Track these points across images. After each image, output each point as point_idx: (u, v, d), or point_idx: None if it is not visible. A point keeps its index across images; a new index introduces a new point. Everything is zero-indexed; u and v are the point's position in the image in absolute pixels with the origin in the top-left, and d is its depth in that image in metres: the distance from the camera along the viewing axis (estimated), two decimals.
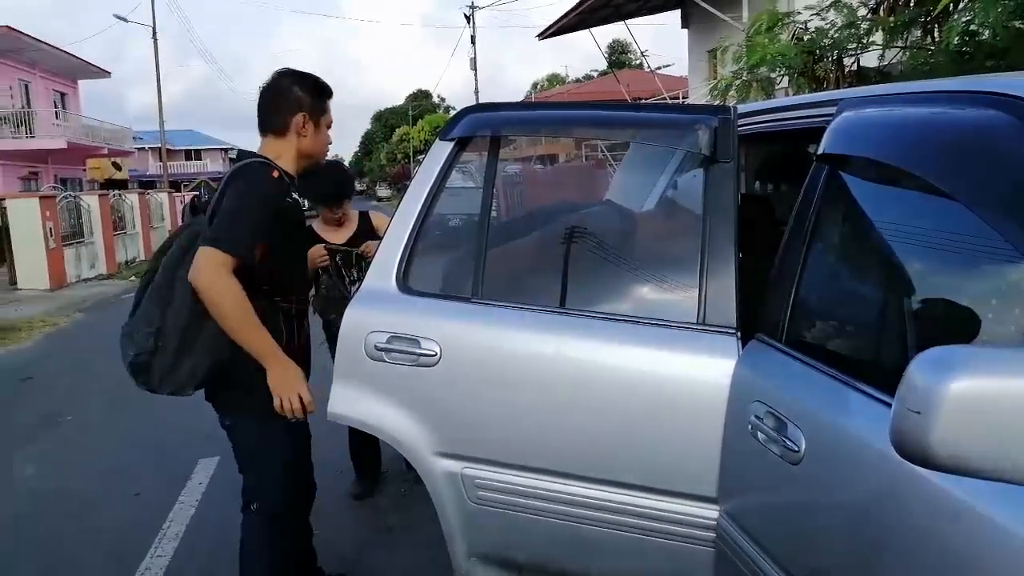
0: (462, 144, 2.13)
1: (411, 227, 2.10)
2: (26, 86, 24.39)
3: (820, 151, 1.65)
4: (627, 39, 28.59)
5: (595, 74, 49.62)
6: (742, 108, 2.04)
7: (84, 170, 23.19)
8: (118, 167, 23.21)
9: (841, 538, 1.35)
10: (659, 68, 27.39)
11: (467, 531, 2.04)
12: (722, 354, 1.76)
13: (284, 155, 2.30)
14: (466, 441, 1.99)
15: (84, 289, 13.27)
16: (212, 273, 2.04)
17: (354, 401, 2.07)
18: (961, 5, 3.62)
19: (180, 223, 2.83)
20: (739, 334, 1.78)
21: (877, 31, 4.95)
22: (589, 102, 2.38)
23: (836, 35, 5.01)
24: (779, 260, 1.77)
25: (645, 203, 2.54)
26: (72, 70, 26.56)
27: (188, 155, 52.72)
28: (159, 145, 31.46)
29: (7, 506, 3.84)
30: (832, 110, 1.71)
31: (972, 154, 1.27)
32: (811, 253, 1.66)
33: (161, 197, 21.71)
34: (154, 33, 27.29)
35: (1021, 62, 3.65)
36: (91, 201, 15.80)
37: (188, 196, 24.59)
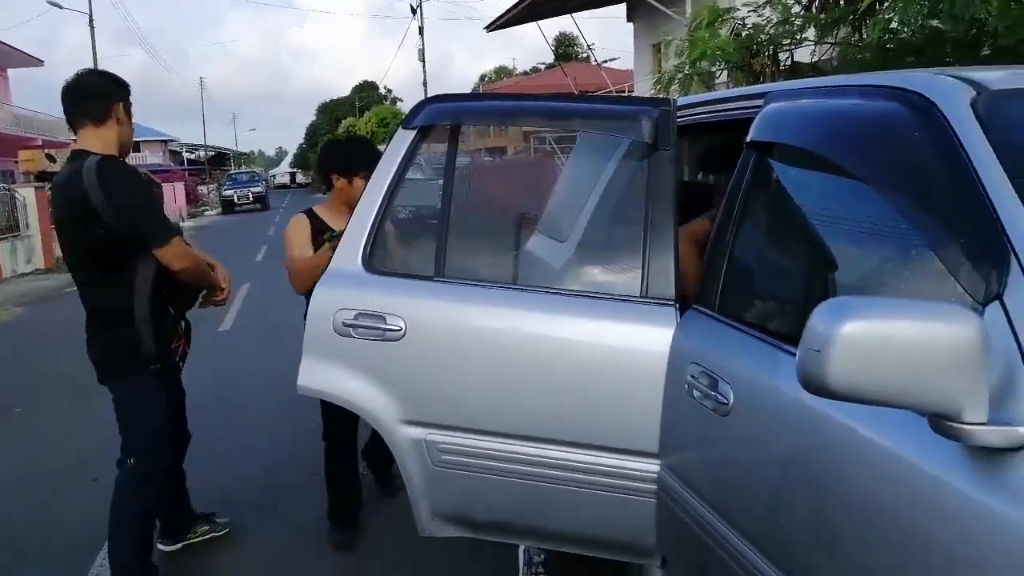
0: (424, 133, 2.27)
1: (376, 211, 2.23)
2: None
3: (748, 139, 1.85)
4: (574, 32, 29.03)
5: (542, 67, 49.87)
6: (682, 100, 2.23)
7: (15, 162, 22.37)
8: (52, 159, 22.40)
9: (766, 478, 1.54)
10: (606, 61, 27.73)
11: (431, 493, 2.19)
12: (663, 323, 1.95)
13: (110, 145, 2.61)
14: (429, 409, 2.13)
15: (21, 284, 12.90)
16: (186, 254, 2.61)
17: (323, 375, 2.20)
18: (885, 4, 3.89)
19: None
20: (677, 305, 1.96)
21: (810, 27, 5.23)
22: (543, 95, 2.54)
23: (772, 31, 5.27)
24: (713, 238, 1.97)
25: (592, 190, 2.72)
26: (2, 59, 25.54)
27: None
28: None
29: None
30: (761, 102, 1.91)
31: (874, 140, 1.48)
32: (740, 231, 1.86)
33: None
34: (90, 20, 26.45)
35: (938, 59, 3.96)
36: (26, 193, 15.33)
37: None
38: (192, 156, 61.73)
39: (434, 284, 2.14)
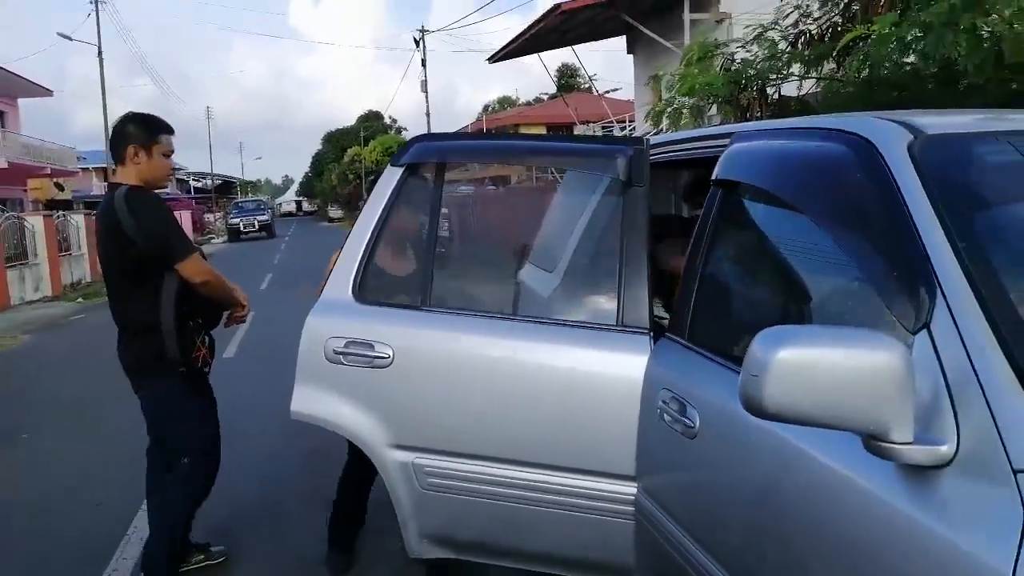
0: (411, 169, 2.39)
1: (365, 243, 2.35)
2: None
3: (713, 177, 1.96)
4: (577, 63, 29.52)
5: (545, 97, 50.48)
6: (654, 139, 2.35)
7: (25, 190, 22.70)
8: (61, 187, 22.75)
9: (728, 498, 1.63)
10: (607, 92, 28.09)
11: (418, 514, 2.27)
12: (637, 351, 2.05)
13: (132, 179, 2.90)
14: (416, 433, 2.23)
15: (29, 311, 13.04)
16: (205, 270, 2.88)
17: (315, 400, 2.30)
18: (861, 42, 4.02)
19: None
20: (651, 334, 2.06)
21: (796, 63, 5.38)
22: (525, 134, 2.66)
23: (759, 66, 5.41)
24: (684, 270, 2.08)
25: (577, 223, 2.84)
26: (12, 88, 26.02)
27: None
28: (104, 165, 30.88)
29: None
30: (727, 141, 2.02)
31: (820, 180, 1.59)
32: (708, 263, 1.96)
33: None
34: (99, 52, 26.94)
35: (919, 95, 4.09)
36: (35, 222, 15.54)
37: None
38: (199, 184, 62.32)
39: (420, 313, 2.25)
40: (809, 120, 1.84)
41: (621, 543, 2.09)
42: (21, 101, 27.88)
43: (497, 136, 2.86)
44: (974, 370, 1.14)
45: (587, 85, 30.60)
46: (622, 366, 2.05)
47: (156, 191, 2.99)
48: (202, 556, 3.25)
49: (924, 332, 1.24)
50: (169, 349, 2.84)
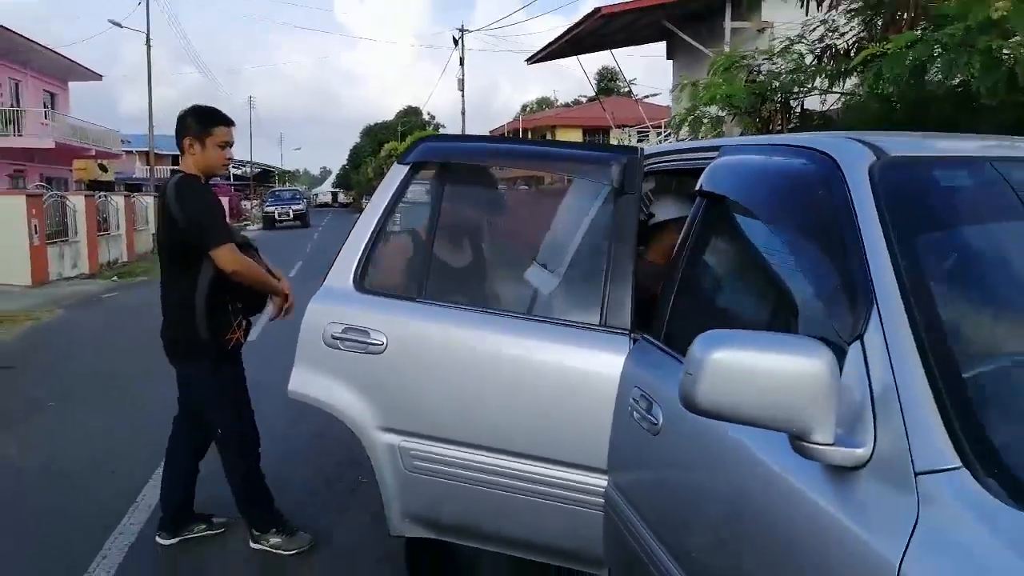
0: (416, 168, 2.51)
1: (369, 235, 2.47)
2: (16, 85, 24.60)
3: (697, 187, 2.04)
4: (617, 67, 29.44)
5: (584, 99, 50.42)
6: (650, 149, 2.44)
7: (70, 170, 23.39)
8: (104, 169, 23.43)
9: (684, 490, 1.72)
10: (646, 97, 28.00)
11: (402, 495, 2.39)
12: (617, 350, 2.13)
13: (190, 168, 3.15)
14: (403, 417, 2.34)
15: (66, 287, 13.47)
16: (237, 260, 2.99)
17: (311, 382, 2.43)
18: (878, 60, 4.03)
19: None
20: (632, 334, 2.15)
21: (820, 77, 5.38)
22: (527, 140, 2.76)
23: (784, 79, 5.43)
24: (667, 275, 2.16)
25: (578, 227, 2.93)
26: (63, 71, 26.80)
27: (176, 160, 52.70)
28: (147, 149, 31.62)
29: None
30: (716, 154, 2.10)
31: (787, 194, 1.67)
32: (686, 269, 2.04)
33: (147, 200, 21.90)
34: (147, 40, 27.59)
35: (938, 113, 4.09)
36: (77, 201, 16.02)
37: None
38: (238, 172, 63.33)
39: (415, 304, 2.36)
40: (788, 138, 1.91)
41: (594, 533, 2.18)
42: (71, 84, 28.68)
43: (498, 140, 2.97)
44: (895, 380, 1.22)
45: (626, 89, 30.59)
46: (601, 364, 2.13)
47: (211, 179, 3.25)
48: (204, 525, 3.43)
49: (858, 342, 1.31)
50: (200, 330, 3.05)
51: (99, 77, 28.88)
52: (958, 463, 1.10)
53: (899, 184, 1.50)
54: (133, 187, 31.38)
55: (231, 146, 3.26)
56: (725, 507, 1.53)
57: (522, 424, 2.22)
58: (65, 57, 25.26)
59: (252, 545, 3.28)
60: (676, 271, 2.09)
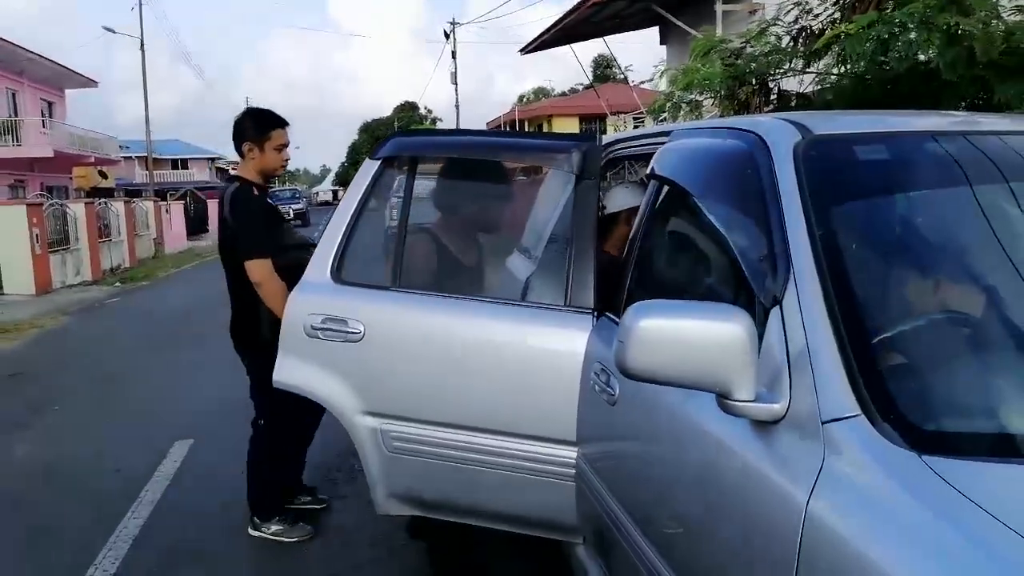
0: (388, 162, 2.62)
1: (344, 229, 2.58)
2: (13, 95, 24.76)
3: (647, 172, 2.15)
4: (615, 53, 29.55)
5: (580, 87, 50.34)
6: (609, 137, 2.55)
7: (70, 178, 23.56)
8: (104, 175, 23.59)
9: (636, 455, 1.83)
10: (641, 82, 27.98)
11: (385, 476, 2.51)
12: (581, 328, 2.25)
13: (249, 172, 3.28)
14: (384, 401, 2.46)
15: (69, 294, 13.62)
16: (262, 276, 3.10)
17: (295, 370, 2.55)
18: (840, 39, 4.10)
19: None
20: (595, 313, 2.26)
21: (796, 59, 5.45)
22: (493, 131, 2.87)
23: (759, 61, 5.50)
24: (624, 256, 2.27)
25: (553, 213, 3.04)
26: (60, 79, 26.94)
27: (175, 164, 53.02)
28: (145, 154, 31.78)
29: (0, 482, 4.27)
30: (667, 139, 2.21)
31: (720, 173, 1.78)
32: (641, 249, 2.16)
33: (147, 206, 22.05)
34: (141, 45, 27.71)
35: (911, 90, 4.18)
36: (77, 209, 16.15)
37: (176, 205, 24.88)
38: None
39: (390, 293, 2.48)
40: (728, 121, 2.02)
41: (568, 503, 2.30)
42: (68, 92, 28.83)
43: (465, 133, 3.08)
44: (807, 341, 1.33)
45: (622, 76, 30.59)
46: (567, 342, 2.25)
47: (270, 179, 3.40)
48: (309, 498, 3.67)
49: (777, 308, 1.42)
50: (263, 330, 3.16)
51: (95, 84, 29.02)
52: (857, 411, 1.21)
53: (820, 161, 1.61)
54: (133, 193, 31.56)
55: (287, 147, 3.36)
56: (669, 467, 1.65)
57: (495, 402, 2.33)
58: (61, 65, 25.39)
59: (251, 532, 3.41)
60: (633, 250, 2.20)
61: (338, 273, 2.55)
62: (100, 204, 17.82)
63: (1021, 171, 1.64)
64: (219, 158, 60.05)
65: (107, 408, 5.75)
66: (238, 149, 3.30)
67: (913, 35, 3.54)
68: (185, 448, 4.60)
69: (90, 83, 28.56)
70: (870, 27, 3.60)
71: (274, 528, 3.40)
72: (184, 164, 53.90)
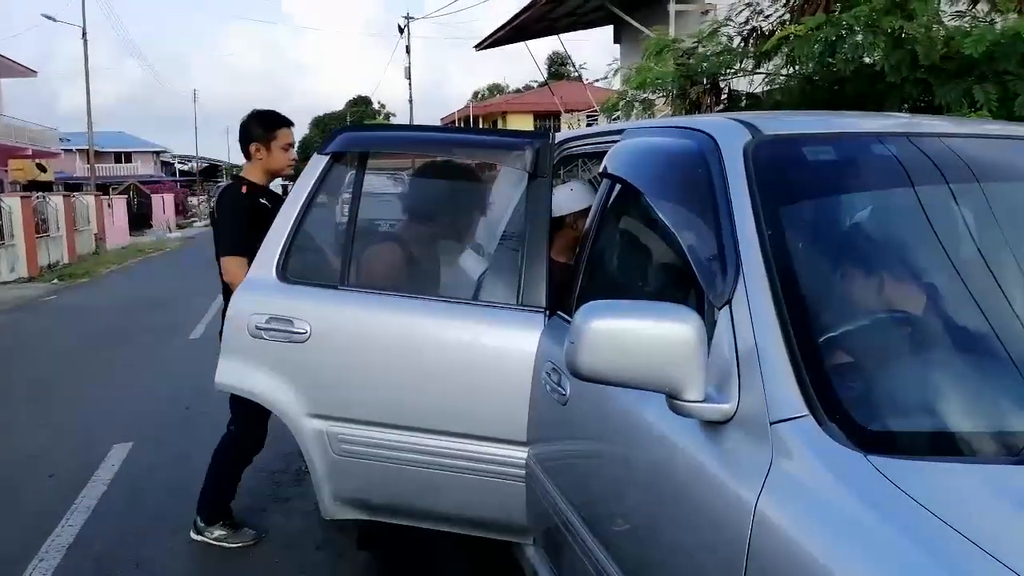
0: (336, 158, 2.55)
1: (291, 226, 2.50)
2: None
3: (600, 169, 2.14)
4: (570, 51, 29.62)
5: (535, 84, 50.44)
6: (562, 135, 2.52)
7: (6, 171, 22.65)
8: (43, 168, 22.77)
9: (586, 454, 1.81)
10: (595, 80, 28.15)
11: (332, 479, 2.45)
12: (533, 328, 2.22)
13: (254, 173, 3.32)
14: (331, 403, 2.40)
15: (4, 292, 13.07)
16: (234, 275, 2.96)
17: (238, 372, 2.47)
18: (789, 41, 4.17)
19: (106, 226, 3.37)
20: (547, 312, 2.24)
21: (746, 59, 5.52)
22: (445, 127, 2.83)
23: (711, 60, 5.56)
24: (576, 254, 2.25)
25: (506, 211, 3.01)
26: None
27: (118, 157, 51.44)
28: (87, 147, 30.73)
29: None
30: (620, 137, 2.19)
31: (671, 172, 1.77)
32: (594, 247, 2.14)
33: (88, 200, 21.31)
34: (84, 34, 26.77)
35: (857, 91, 4.26)
36: (12, 203, 15.52)
37: (121, 199, 24.06)
38: (185, 167, 61.96)
39: (337, 292, 2.42)
40: (680, 120, 2.01)
41: (519, 504, 2.28)
42: (4, 81, 27.68)
43: (416, 128, 3.03)
44: (756, 341, 1.32)
45: (576, 74, 30.74)
46: (519, 341, 2.22)
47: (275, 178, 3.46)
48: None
49: (727, 308, 1.41)
50: None
51: (34, 73, 27.92)
52: (805, 412, 1.21)
53: (769, 161, 1.61)
54: (74, 187, 30.51)
55: (294, 147, 3.40)
56: (619, 467, 1.64)
57: (445, 403, 2.29)
58: None
59: (193, 536, 3.30)
60: (586, 248, 2.18)
61: (284, 271, 2.47)
62: (38, 198, 17.16)
63: (961, 172, 1.67)
64: (165, 151, 58.48)
65: (42, 411, 5.51)
66: (245, 151, 3.34)
67: (859, 38, 3.60)
68: (124, 451, 4.44)
69: (28, 72, 27.46)
70: (818, 29, 3.66)
71: (217, 533, 3.30)
72: (128, 157, 52.33)
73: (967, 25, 3.66)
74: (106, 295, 12.35)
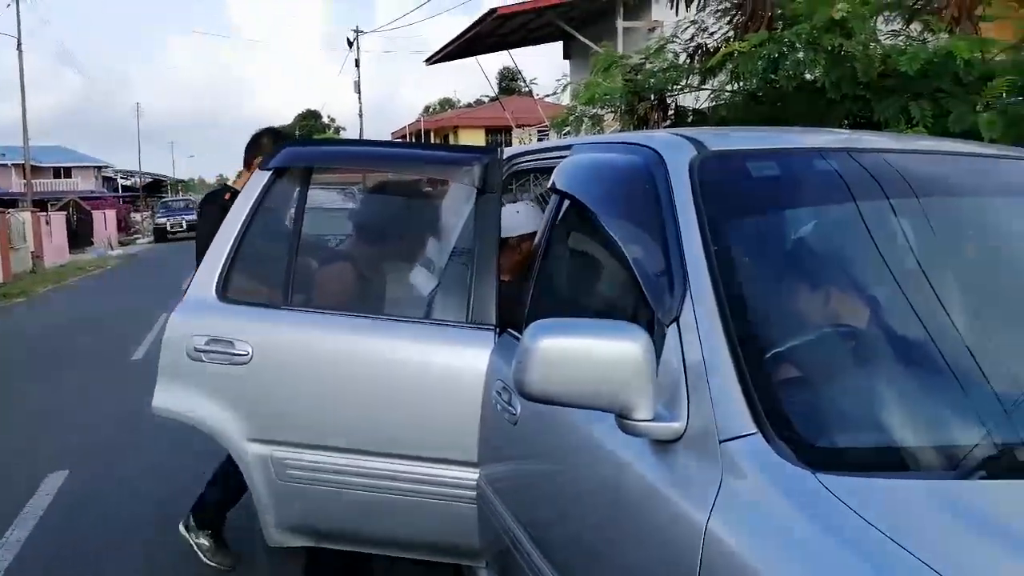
0: (278, 174, 2.48)
1: (231, 244, 2.42)
2: None
3: (550, 184, 2.12)
4: (521, 66, 29.72)
5: (486, 99, 50.63)
6: (511, 150, 2.50)
7: None
8: None
9: (536, 474, 1.78)
10: (546, 96, 28.36)
11: (277, 506, 2.36)
12: (483, 346, 2.18)
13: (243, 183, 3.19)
14: (274, 427, 2.32)
15: None
16: None
17: (176, 397, 2.37)
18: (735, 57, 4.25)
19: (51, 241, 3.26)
20: (497, 330, 2.21)
21: (692, 75, 5.62)
22: (392, 141, 2.79)
23: (658, 76, 5.63)
24: (527, 270, 2.23)
25: (455, 227, 2.97)
26: None
27: (57, 173, 49.80)
28: (23, 161, 29.66)
29: None
30: (569, 152, 2.18)
31: (618, 187, 1.76)
32: (544, 264, 2.12)
33: (24, 216, 20.54)
34: (19, 44, 25.92)
35: (799, 106, 4.36)
36: None
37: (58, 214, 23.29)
38: (127, 183, 60.30)
39: (280, 312, 2.34)
40: (627, 136, 2.01)
41: (471, 527, 2.23)
42: None
43: (362, 143, 2.99)
44: (704, 358, 1.31)
45: (527, 89, 30.92)
46: (468, 359, 2.18)
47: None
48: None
49: (675, 325, 1.40)
50: None
51: None
52: (753, 429, 1.20)
53: (715, 176, 1.61)
54: (9, 203, 29.40)
55: None
56: (570, 487, 1.61)
57: (393, 425, 2.24)
58: None
59: (180, 530, 3.20)
60: (535, 265, 2.16)
61: (224, 291, 2.39)
62: None
63: (900, 187, 1.69)
64: (107, 166, 56.84)
65: None
66: (248, 160, 3.36)
67: (801, 55, 3.69)
68: (59, 480, 4.24)
69: None
70: (761, 46, 3.74)
71: (201, 540, 3.20)
72: (67, 173, 50.68)
73: (902, 44, 3.77)
74: (43, 316, 11.88)
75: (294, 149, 2.53)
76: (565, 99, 6.47)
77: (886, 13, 4.07)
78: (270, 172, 2.47)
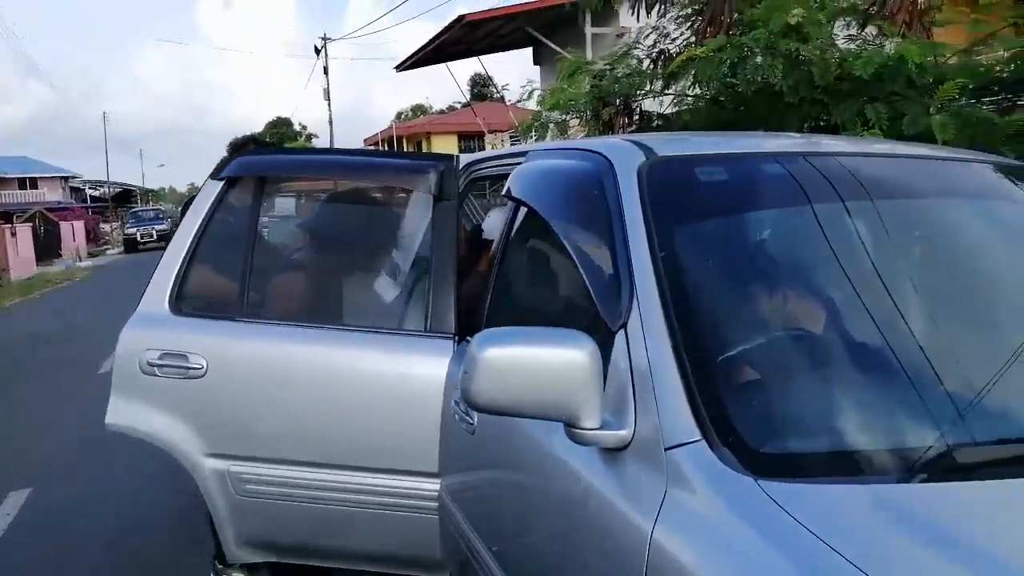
0: (231, 183, 2.45)
1: (183, 256, 2.38)
2: None
3: (504, 191, 2.11)
4: (492, 72, 29.76)
5: (458, 105, 50.60)
6: (468, 157, 2.49)
7: None
8: None
9: (492, 483, 1.77)
10: (517, 101, 28.42)
11: (235, 521, 2.32)
12: (441, 354, 2.17)
13: None
14: (231, 442, 2.28)
15: None
16: None
17: (129, 412, 2.32)
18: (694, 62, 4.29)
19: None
20: (456, 338, 2.19)
21: (656, 80, 5.65)
22: (348, 149, 2.77)
23: (622, 82, 5.66)
24: (486, 277, 2.22)
25: (416, 236, 2.95)
26: None
27: (22, 183, 48.86)
28: None
29: None
30: (524, 159, 2.17)
31: (568, 193, 1.76)
32: (501, 271, 2.11)
33: None
34: None
35: (760, 111, 4.40)
36: None
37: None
38: (96, 193, 59.34)
39: (235, 324, 2.31)
40: (579, 142, 2.01)
41: (433, 538, 2.21)
42: None
43: (317, 151, 2.96)
44: (650, 365, 1.31)
45: (498, 95, 30.91)
46: (427, 368, 2.16)
47: None
48: None
49: (622, 331, 1.40)
50: None
51: None
52: (698, 436, 1.19)
53: (663, 181, 1.61)
54: None
55: None
56: (523, 497, 1.60)
57: (351, 436, 2.21)
58: None
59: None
60: (492, 273, 2.15)
61: (177, 303, 2.35)
62: None
63: (856, 190, 1.70)
64: (74, 176, 55.90)
65: None
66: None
67: (759, 59, 3.73)
68: (22, 498, 4.14)
69: None
70: (720, 51, 3.77)
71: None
72: (33, 183, 49.73)
73: (857, 48, 3.83)
74: (8, 329, 11.64)
75: (246, 159, 2.50)
76: (531, 104, 6.48)
77: (844, 18, 4.13)
78: (222, 182, 2.44)
